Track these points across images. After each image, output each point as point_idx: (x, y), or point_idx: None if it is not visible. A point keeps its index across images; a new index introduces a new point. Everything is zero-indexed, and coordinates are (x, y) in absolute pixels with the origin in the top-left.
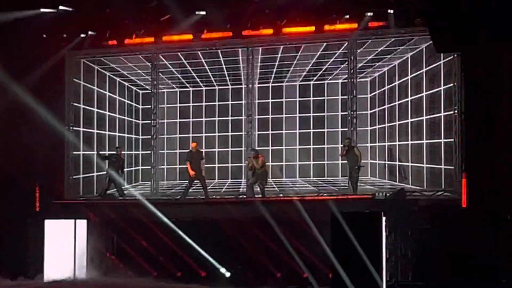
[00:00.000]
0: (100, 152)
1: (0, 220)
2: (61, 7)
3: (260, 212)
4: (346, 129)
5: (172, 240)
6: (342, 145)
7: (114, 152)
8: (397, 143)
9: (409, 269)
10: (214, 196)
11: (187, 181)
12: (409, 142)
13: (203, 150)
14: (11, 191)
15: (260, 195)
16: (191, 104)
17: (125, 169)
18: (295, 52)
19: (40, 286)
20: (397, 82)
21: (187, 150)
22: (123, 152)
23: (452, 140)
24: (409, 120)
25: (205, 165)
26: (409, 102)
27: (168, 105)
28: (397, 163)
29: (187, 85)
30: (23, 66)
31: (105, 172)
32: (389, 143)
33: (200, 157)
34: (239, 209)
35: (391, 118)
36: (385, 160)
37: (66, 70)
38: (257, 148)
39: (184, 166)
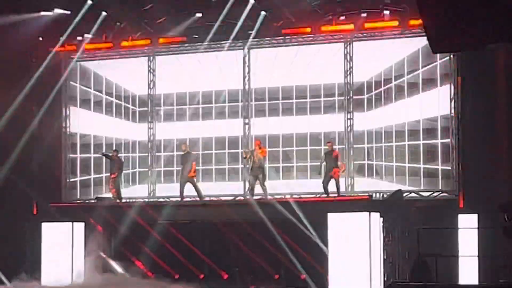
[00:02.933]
0: (104, 152)
1: None
2: (57, 10)
3: (257, 214)
4: (343, 130)
5: (170, 242)
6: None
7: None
8: (393, 143)
9: (406, 270)
10: (211, 198)
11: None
12: (406, 143)
13: (200, 152)
14: (9, 194)
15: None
16: (187, 106)
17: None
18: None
19: None
20: (393, 83)
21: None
22: (119, 155)
23: (449, 140)
24: (406, 121)
25: (203, 167)
26: (406, 102)
27: (165, 107)
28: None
29: (184, 87)
30: (20, 69)
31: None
32: (386, 144)
33: (191, 159)
34: (236, 211)
35: (387, 119)
36: (381, 161)
37: (62, 73)
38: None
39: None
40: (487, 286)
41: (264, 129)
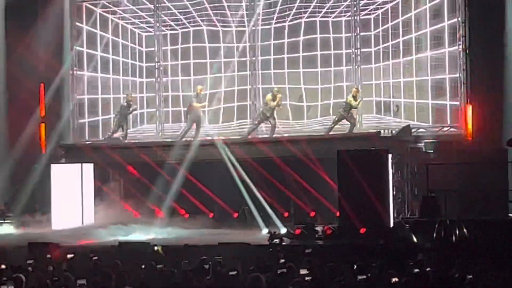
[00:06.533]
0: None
1: (8, 166)
2: None
3: (267, 153)
4: (351, 67)
5: (179, 181)
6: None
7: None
8: (401, 79)
9: (415, 206)
10: (219, 137)
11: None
12: (414, 79)
13: (207, 91)
14: (18, 136)
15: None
16: (191, 45)
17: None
18: None
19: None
20: (400, 19)
21: (193, 94)
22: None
23: (457, 75)
24: (414, 57)
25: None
26: (413, 38)
27: (171, 47)
28: (391, 99)
29: (189, 26)
30: (26, 10)
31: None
32: (393, 80)
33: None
34: (245, 150)
35: (395, 55)
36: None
37: (67, 14)
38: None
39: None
40: (498, 220)
41: (272, 69)
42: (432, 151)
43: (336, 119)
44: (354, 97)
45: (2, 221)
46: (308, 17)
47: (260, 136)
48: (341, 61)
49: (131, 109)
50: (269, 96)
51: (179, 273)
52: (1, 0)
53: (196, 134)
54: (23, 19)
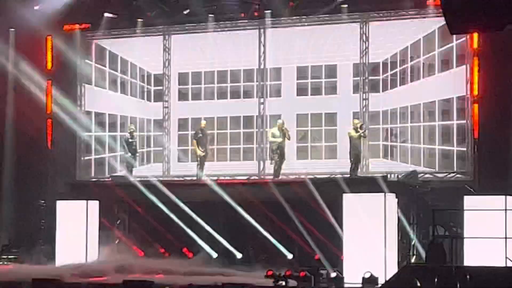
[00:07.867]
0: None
1: (13, 202)
2: None
3: (272, 193)
4: (358, 110)
5: (184, 221)
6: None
7: (129, 135)
8: (409, 124)
9: (421, 251)
10: (225, 177)
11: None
12: (422, 124)
13: (215, 131)
14: (25, 173)
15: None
16: (202, 86)
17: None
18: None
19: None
20: (409, 64)
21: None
22: (135, 133)
23: (464, 122)
24: (422, 102)
25: (217, 146)
26: (422, 83)
27: (180, 86)
28: (398, 143)
29: (199, 66)
30: (37, 49)
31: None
32: (400, 125)
33: (207, 137)
34: (250, 190)
35: (403, 99)
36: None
37: (77, 52)
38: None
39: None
40: (502, 268)
41: (279, 109)
42: (436, 196)
43: (352, 159)
44: (355, 129)
45: (6, 257)
46: (314, 61)
47: (267, 177)
48: (348, 103)
49: (134, 136)
50: (271, 133)
51: None
52: (11, 35)
53: (198, 172)
54: (32, 53)
